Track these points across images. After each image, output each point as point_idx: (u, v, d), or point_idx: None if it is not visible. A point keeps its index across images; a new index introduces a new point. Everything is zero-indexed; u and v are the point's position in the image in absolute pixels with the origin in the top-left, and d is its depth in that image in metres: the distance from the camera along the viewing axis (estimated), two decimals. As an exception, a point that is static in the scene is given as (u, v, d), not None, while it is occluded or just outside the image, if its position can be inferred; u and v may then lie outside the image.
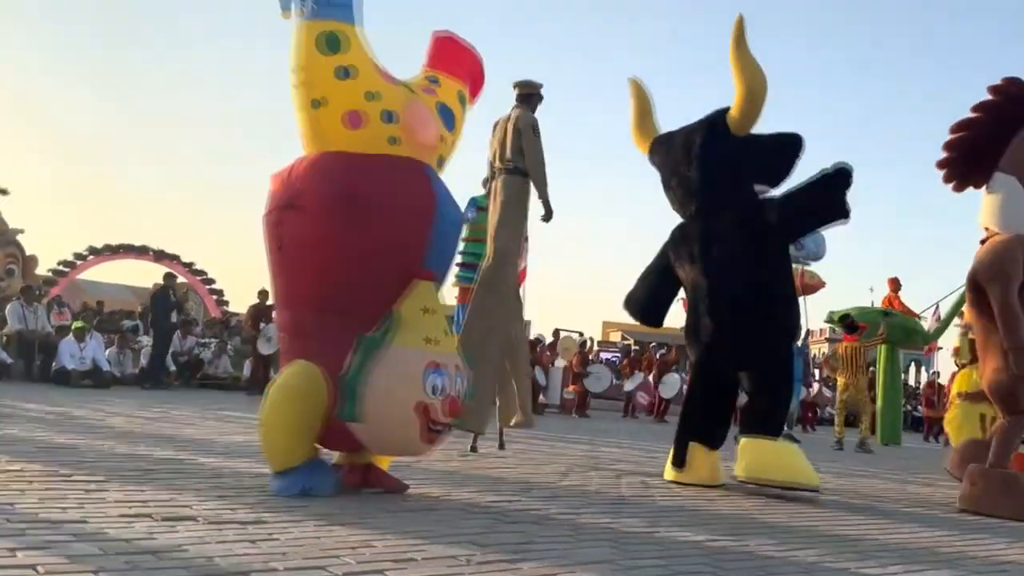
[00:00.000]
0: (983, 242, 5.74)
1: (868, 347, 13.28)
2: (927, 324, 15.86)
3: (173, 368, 14.60)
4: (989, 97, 5.78)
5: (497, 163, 6.92)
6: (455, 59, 4.53)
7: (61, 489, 3.64)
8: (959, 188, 6.00)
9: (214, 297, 24.69)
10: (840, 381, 12.98)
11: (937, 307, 16.59)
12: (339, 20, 4.01)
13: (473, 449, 6.66)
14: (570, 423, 10.50)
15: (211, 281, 24.75)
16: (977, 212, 5.86)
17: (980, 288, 5.59)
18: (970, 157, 5.85)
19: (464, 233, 8.39)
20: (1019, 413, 5.49)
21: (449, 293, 13.93)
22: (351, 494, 4.05)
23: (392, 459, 4.57)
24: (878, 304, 15.67)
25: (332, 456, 4.36)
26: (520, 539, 3.36)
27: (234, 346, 17.11)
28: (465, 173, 9.00)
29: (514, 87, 7.04)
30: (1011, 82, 5.71)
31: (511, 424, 7.00)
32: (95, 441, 5.55)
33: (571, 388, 17.15)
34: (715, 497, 5.25)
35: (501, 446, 7.05)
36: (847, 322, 13.19)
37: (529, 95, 7.00)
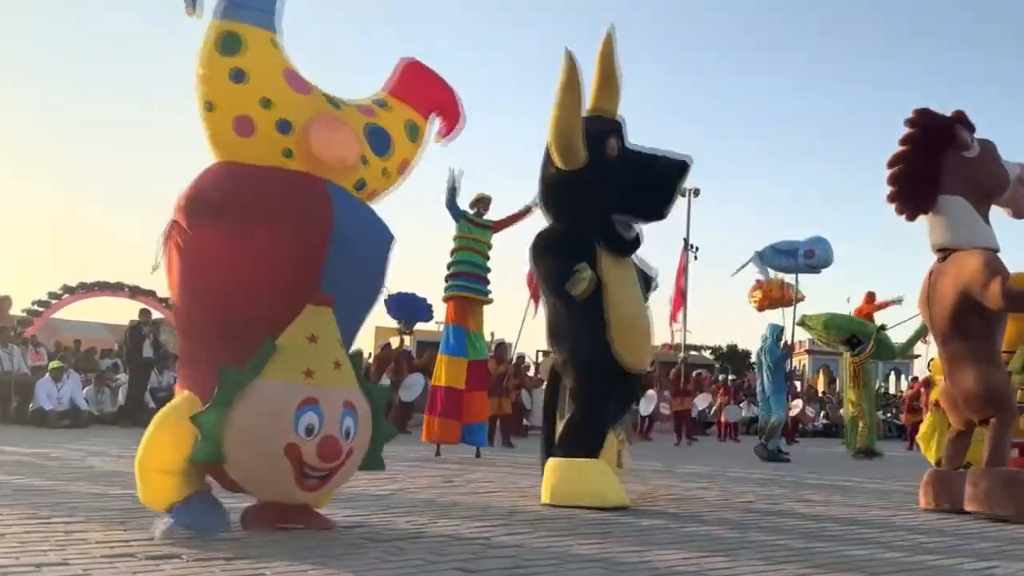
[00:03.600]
0: (942, 260, 5.93)
1: (862, 362, 13.53)
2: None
3: (152, 405, 14.43)
4: (907, 130, 6.08)
5: None
6: (419, 88, 4.27)
7: (41, 532, 3.58)
8: (911, 217, 6.20)
9: (191, 332, 24.42)
10: (849, 395, 14.03)
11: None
12: (244, 22, 3.72)
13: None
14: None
15: (188, 316, 24.50)
16: (927, 235, 6.08)
17: (966, 300, 5.68)
18: (912, 187, 6.09)
19: (454, 244, 8.68)
20: (1005, 412, 5.64)
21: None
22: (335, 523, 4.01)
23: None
24: (848, 312, 15.86)
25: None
26: (508, 564, 3.34)
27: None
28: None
29: None
30: (921, 113, 6.05)
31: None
32: (74, 482, 5.48)
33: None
34: (702, 513, 5.25)
35: None
36: (850, 339, 13.87)
37: None
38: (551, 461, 5.41)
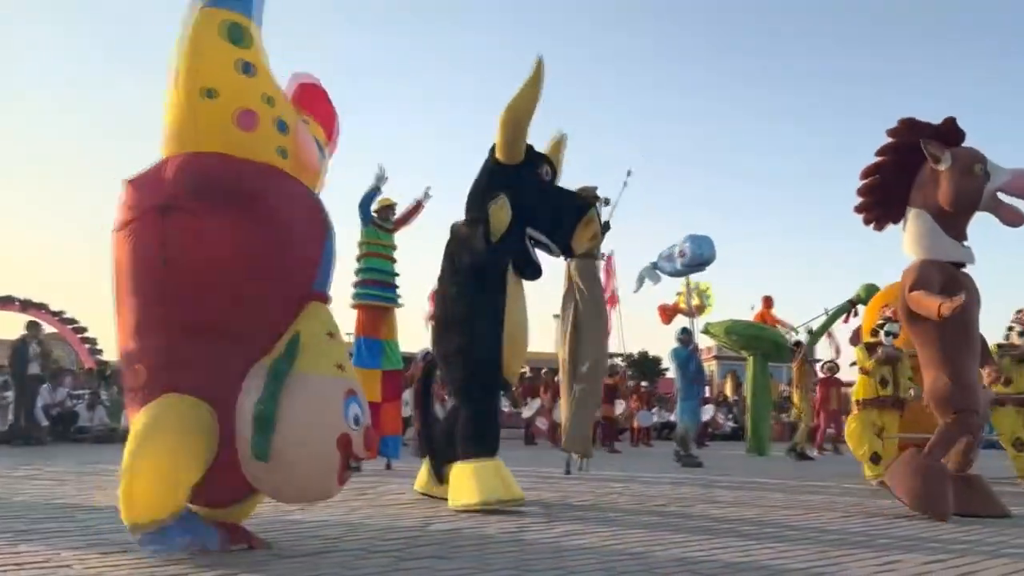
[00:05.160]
0: None
1: (801, 364, 13.94)
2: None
3: (45, 423, 13.77)
4: (889, 140, 6.21)
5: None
6: (316, 108, 4.36)
7: (-79, 559, 3.36)
8: (879, 227, 6.42)
9: (87, 346, 23.57)
10: (794, 398, 14.54)
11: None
12: (245, 14, 3.72)
13: (567, 472, 8.27)
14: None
15: (83, 329, 23.62)
16: (900, 244, 6.26)
17: (906, 311, 5.99)
18: (883, 198, 6.30)
19: (360, 251, 8.64)
20: (955, 415, 5.81)
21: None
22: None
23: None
24: (750, 318, 16.32)
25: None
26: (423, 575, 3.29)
27: (110, 396, 16.31)
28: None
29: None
30: (905, 123, 6.13)
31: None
32: (-41, 505, 5.17)
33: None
34: (616, 518, 5.28)
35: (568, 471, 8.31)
36: (795, 346, 14.66)
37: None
38: (463, 465, 5.48)
